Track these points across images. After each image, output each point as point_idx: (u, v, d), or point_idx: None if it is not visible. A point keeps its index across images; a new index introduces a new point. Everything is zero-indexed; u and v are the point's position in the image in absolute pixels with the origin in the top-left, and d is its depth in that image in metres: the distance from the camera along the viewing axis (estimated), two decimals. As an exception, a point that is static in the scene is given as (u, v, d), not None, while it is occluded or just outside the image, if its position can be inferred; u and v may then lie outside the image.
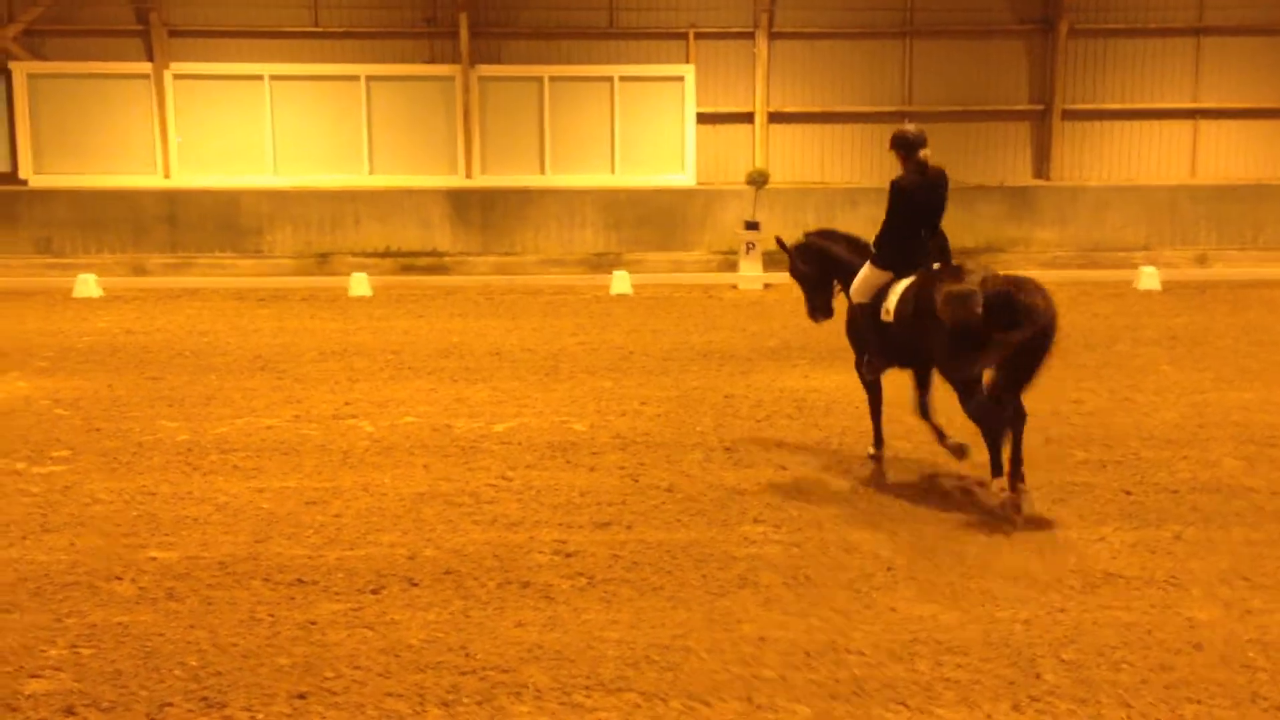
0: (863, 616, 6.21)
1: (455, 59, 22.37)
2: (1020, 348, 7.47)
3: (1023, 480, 7.72)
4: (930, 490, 8.38)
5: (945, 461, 8.78)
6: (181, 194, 21.92)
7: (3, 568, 6.77)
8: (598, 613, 6.25)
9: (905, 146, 8.39)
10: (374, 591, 6.52)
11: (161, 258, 21.42)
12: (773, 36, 22.60)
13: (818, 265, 9.17)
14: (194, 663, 5.59)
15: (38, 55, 21.88)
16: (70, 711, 5.15)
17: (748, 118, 22.66)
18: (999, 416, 7.68)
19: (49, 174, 21.97)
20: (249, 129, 22.32)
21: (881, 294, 8.45)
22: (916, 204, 8.34)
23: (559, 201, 22.10)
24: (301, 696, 5.32)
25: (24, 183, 21.91)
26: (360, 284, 18.83)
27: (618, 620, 6.14)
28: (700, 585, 6.63)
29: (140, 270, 21.07)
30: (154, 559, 6.95)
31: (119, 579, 6.63)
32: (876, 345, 8.59)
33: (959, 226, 21.34)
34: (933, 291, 7.87)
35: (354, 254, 21.51)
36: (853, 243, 9.03)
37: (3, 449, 9.39)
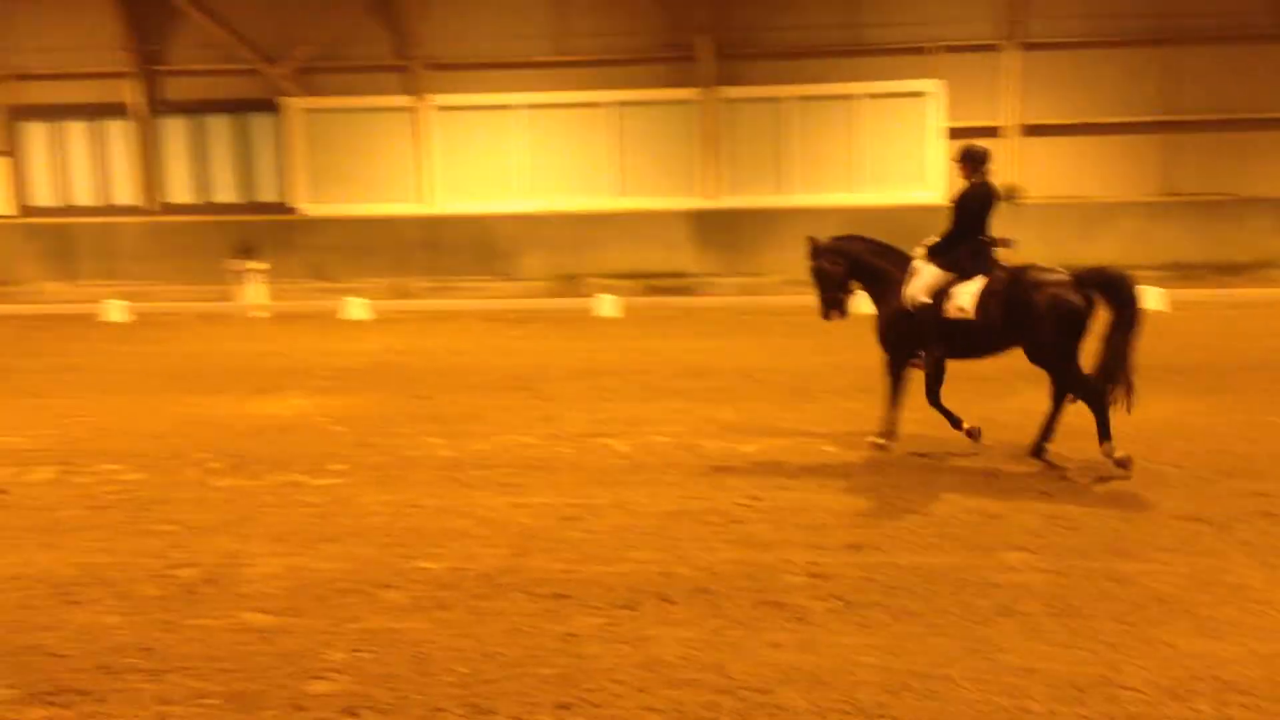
0: (1135, 650, 5.95)
1: (698, 83, 22.62)
2: (1118, 324, 8.68)
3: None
4: (1201, 521, 7.96)
5: (1223, 492, 8.33)
6: (440, 220, 22.87)
7: (287, 574, 7.20)
8: (853, 636, 6.18)
9: (973, 161, 9.44)
10: (629, 607, 6.63)
11: (422, 281, 22.41)
12: (1025, 47, 21.97)
13: (843, 266, 9.95)
14: (463, 670, 5.81)
15: (309, 91, 23.26)
16: (351, 712, 5.42)
17: (994, 131, 22.09)
18: (1101, 390, 8.81)
19: (320, 203, 23.31)
20: (503, 156, 23.16)
21: (942, 294, 9.35)
22: (981, 212, 9.37)
23: (801, 221, 21.98)
24: (564, 707, 5.46)
25: (297, 212, 23.30)
26: (608, 305, 19.23)
27: (874, 645, 6.07)
28: (959, 612, 6.48)
29: (403, 293, 22.10)
30: (423, 569, 7.26)
31: (391, 587, 6.95)
32: (940, 340, 9.46)
33: (1221, 241, 20.28)
34: (1025, 288, 8.97)
35: (601, 276, 21.99)
36: (883, 249, 9.93)
37: (285, 462, 10.00)
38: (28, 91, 23.85)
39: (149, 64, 23.40)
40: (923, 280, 9.46)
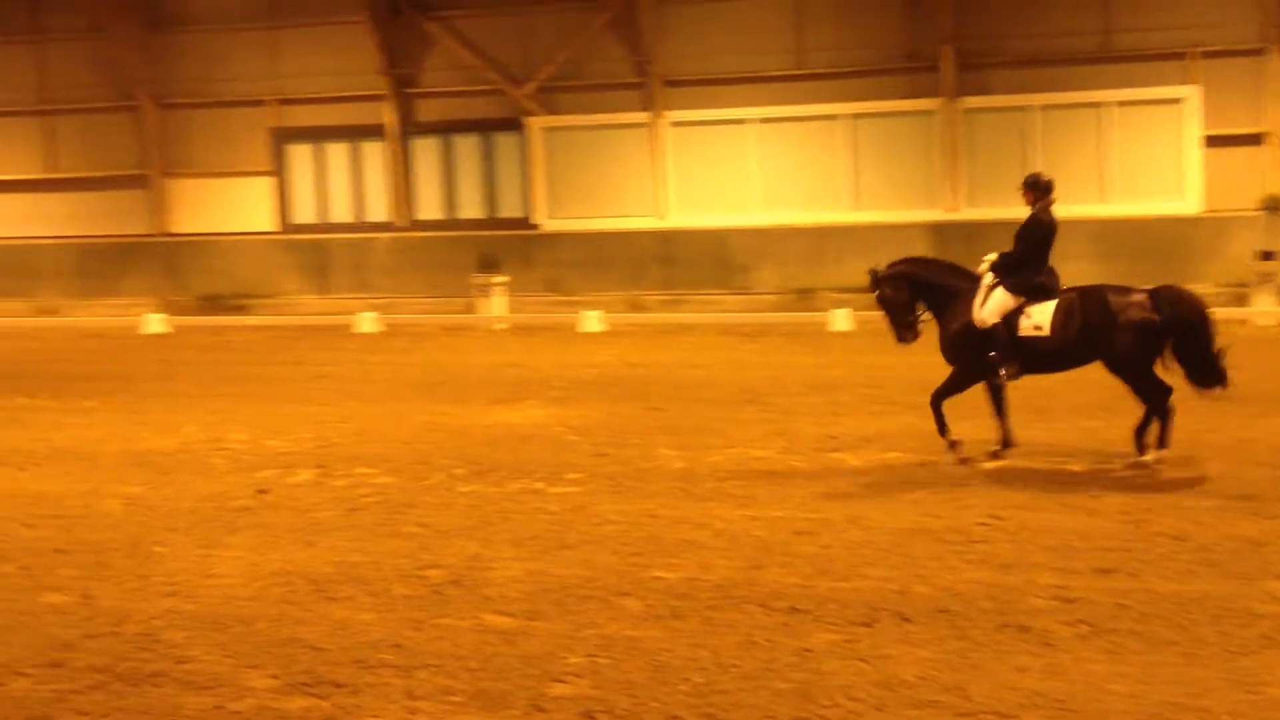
0: None
1: (938, 93, 22.20)
2: (1190, 336, 9.43)
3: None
4: None
5: None
6: (675, 234, 23.11)
7: (528, 578, 7.39)
8: (1102, 664, 5.93)
9: (1039, 189, 10.01)
10: (866, 624, 6.53)
11: (657, 294, 22.68)
12: (1292, 51, 20.72)
13: (906, 291, 10.33)
14: (699, 680, 5.84)
15: (550, 110, 23.90)
16: (589, 716, 5.52)
17: (1258, 139, 20.89)
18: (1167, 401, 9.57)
19: (559, 218, 23.90)
20: (737, 170, 23.23)
21: (1015, 314, 9.81)
22: (1047, 239, 9.91)
23: (1046, 234, 21.34)
24: (800, 722, 5.43)
25: (538, 227, 23.94)
26: (842, 319, 19.04)
27: (1125, 673, 5.80)
28: (1218, 642, 6.13)
29: (638, 307, 22.43)
30: (659, 578, 7.34)
31: (628, 595, 7.05)
32: (1013, 357, 9.82)
33: None
34: (1104, 307, 9.56)
35: (834, 290, 21.77)
36: (950, 268, 10.46)
37: (524, 470, 10.29)
38: (292, 115, 25.32)
39: (403, 87, 24.51)
40: (995, 303, 9.88)
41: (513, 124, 24.06)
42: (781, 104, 22.95)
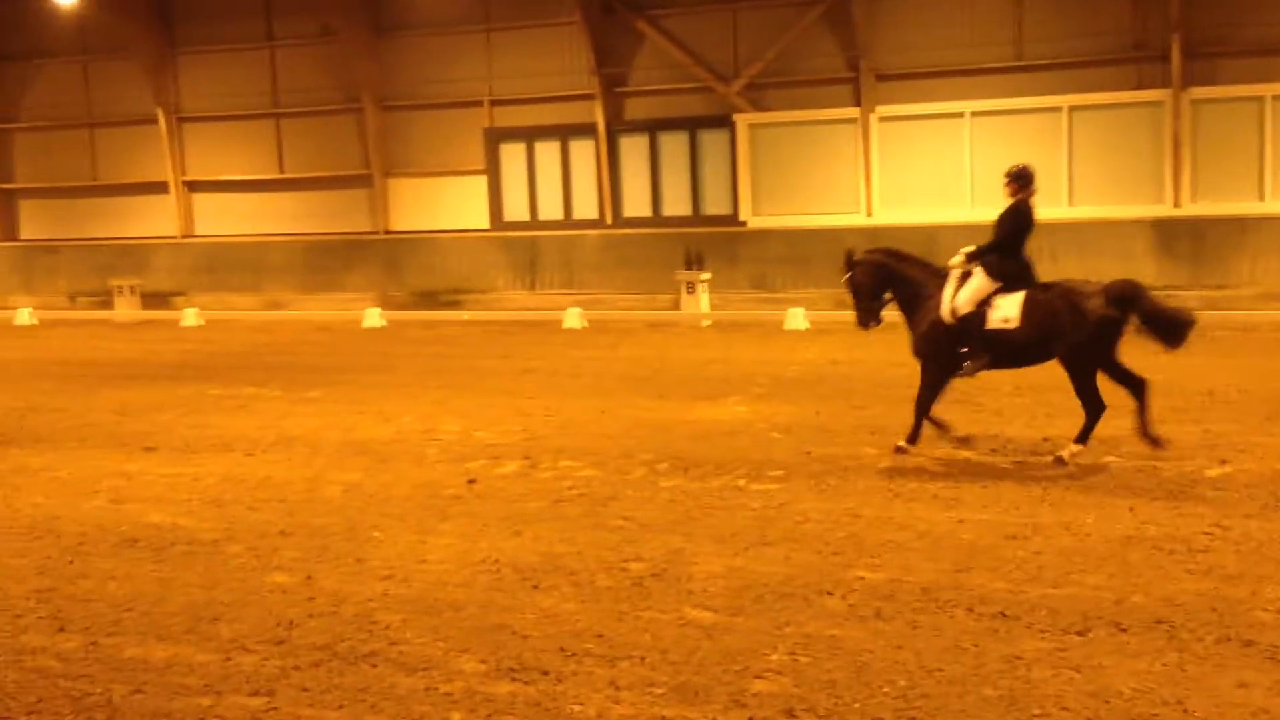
0: None
1: (1165, 83, 21.25)
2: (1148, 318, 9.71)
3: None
4: None
5: None
6: (882, 230, 22.74)
7: (729, 574, 7.41)
8: (1338, 685, 5.59)
9: (1022, 180, 10.31)
10: (1080, 633, 6.32)
11: (846, 292, 22.37)
12: None
13: (876, 278, 10.58)
14: (903, 683, 5.75)
15: (758, 106, 23.84)
16: (790, 714, 5.50)
17: None
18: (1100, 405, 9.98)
19: (764, 215, 23.83)
20: (947, 166, 22.73)
21: (985, 304, 9.96)
22: (1023, 228, 10.13)
23: (1281, 230, 20.21)
24: (1007, 731, 5.29)
25: (743, 224, 23.93)
26: (1057, 318, 18.44)
27: (1363, 696, 5.45)
28: None
29: (843, 304, 22.11)
30: (861, 578, 7.25)
31: (830, 594, 6.99)
32: (984, 348, 10.01)
33: None
34: (1065, 298, 9.82)
35: (1049, 288, 21.07)
36: (920, 264, 10.61)
37: (727, 466, 10.30)
38: (505, 115, 25.96)
39: (612, 86, 24.84)
40: (970, 289, 10.06)
41: (720, 121, 24.09)
42: (997, 96, 22.35)
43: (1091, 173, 21.94)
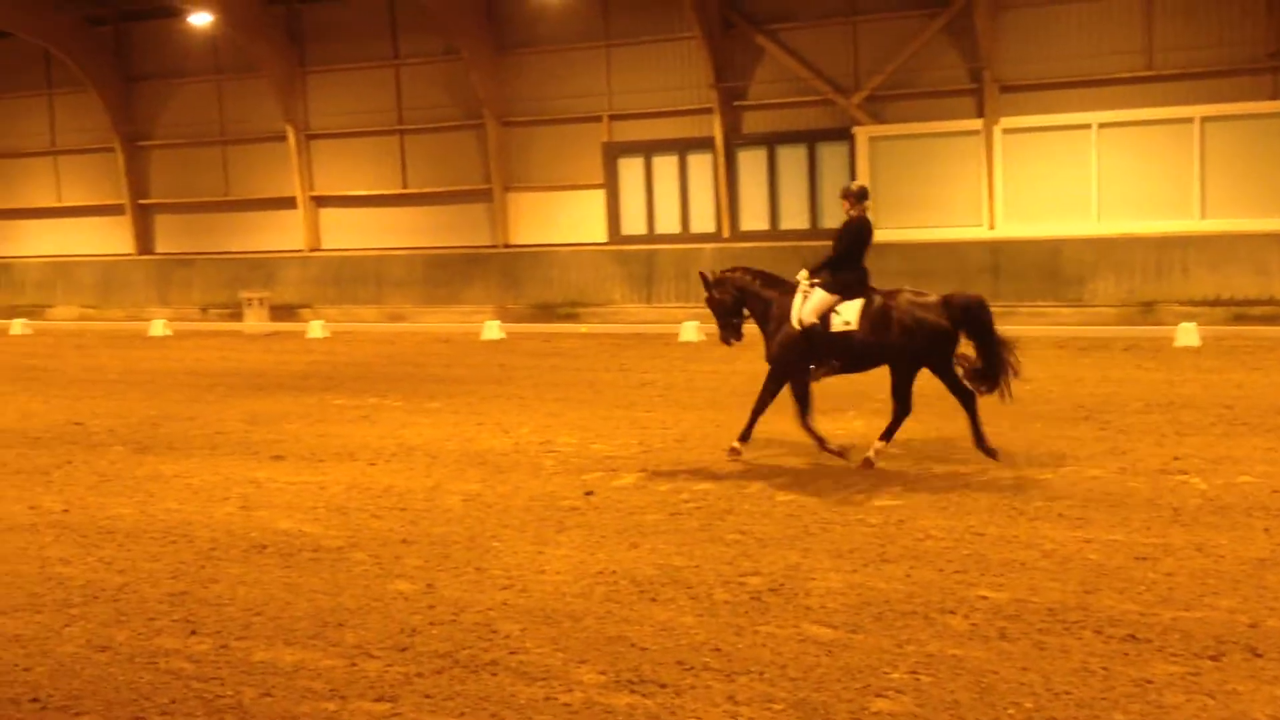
0: None
1: (1302, 92, 20.55)
2: (986, 339, 10.49)
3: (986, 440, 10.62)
4: None
5: None
6: (1005, 244, 22.40)
7: (848, 590, 7.33)
8: None
9: (856, 197, 11.09)
10: (1213, 658, 6.12)
11: (985, 306, 22.00)
12: None
13: (733, 295, 11.36)
14: (1029, 705, 5.62)
15: (878, 119, 23.64)
16: (911, 734, 5.42)
17: None
18: (908, 408, 10.76)
19: (884, 228, 23.50)
20: (1073, 178, 22.28)
21: (829, 314, 10.74)
22: (862, 241, 10.90)
23: None
24: (1138, 758, 5.14)
25: (861, 237, 23.66)
26: (1188, 334, 17.93)
27: None
28: None
29: (963, 318, 21.83)
30: (984, 598, 7.11)
31: (952, 613, 6.87)
32: (829, 354, 10.86)
33: None
34: (902, 306, 10.56)
35: (1181, 303, 20.53)
36: (768, 278, 11.33)
37: (845, 481, 10.21)
38: (623, 130, 26.15)
39: (731, 100, 24.85)
40: (812, 303, 10.84)
41: (839, 134, 23.93)
42: (1125, 107, 21.83)
43: (1224, 185, 21.31)
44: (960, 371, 10.74)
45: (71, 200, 31.96)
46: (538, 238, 27.19)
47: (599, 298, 25.83)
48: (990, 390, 10.63)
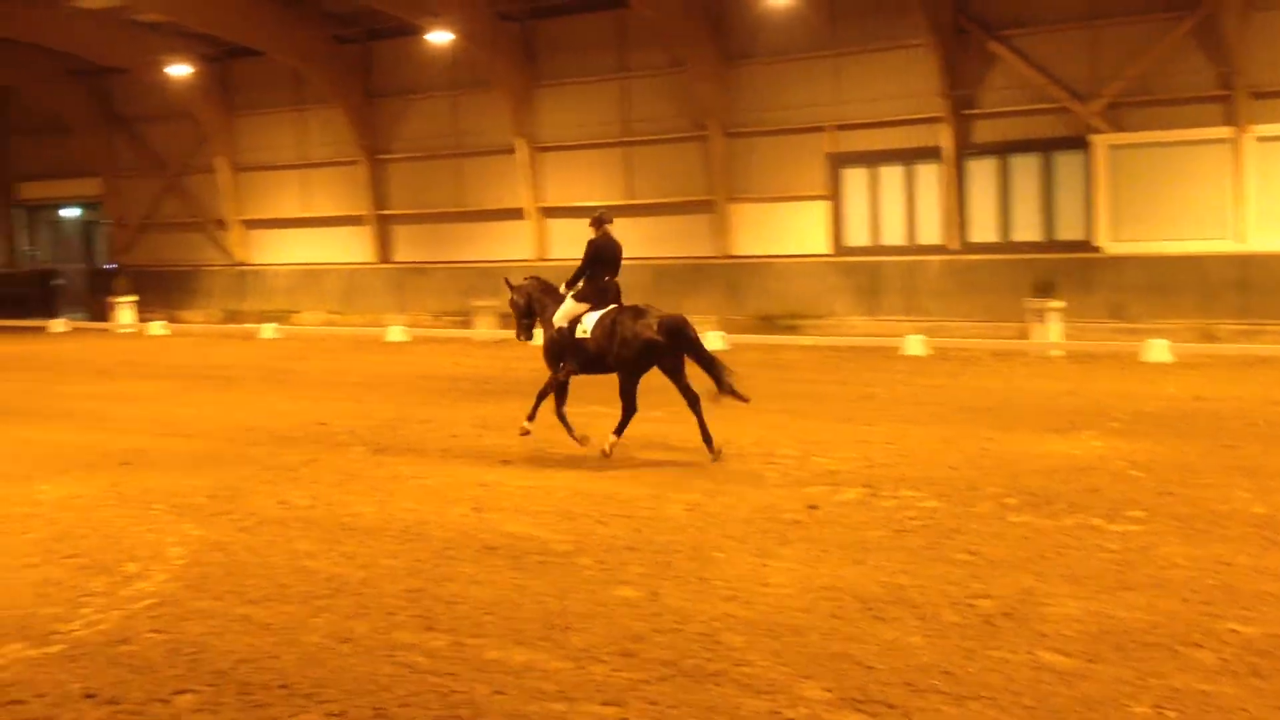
0: None
1: None
2: (696, 352, 12.11)
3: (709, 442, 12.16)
4: None
5: None
6: (1255, 258, 21.23)
7: (1086, 617, 7.04)
8: None
9: (598, 222, 12.77)
10: None
11: (1232, 324, 20.92)
12: None
13: (526, 301, 13.19)
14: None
15: (1117, 127, 22.74)
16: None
17: None
18: (634, 407, 12.39)
19: (1123, 241, 22.67)
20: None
21: (577, 320, 12.45)
22: (605, 259, 12.61)
23: None
24: None
25: (1099, 250, 22.85)
26: None
27: None
28: None
29: (1209, 336, 20.79)
30: (1234, 631, 6.74)
31: (1199, 646, 6.53)
32: (574, 356, 12.51)
33: None
34: (624, 321, 12.16)
35: None
36: (548, 288, 13.12)
37: (1081, 504, 9.83)
38: (848, 140, 25.89)
39: (961, 108, 24.29)
40: (563, 310, 12.66)
41: (1075, 143, 23.10)
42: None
43: None
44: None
45: (318, 211, 33.63)
46: (760, 248, 27.17)
47: (821, 309, 25.63)
48: (726, 392, 12.08)
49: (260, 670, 6.60)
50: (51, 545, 9.42)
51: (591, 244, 12.78)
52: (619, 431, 12.36)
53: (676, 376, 12.41)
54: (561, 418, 12.70)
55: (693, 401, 12.29)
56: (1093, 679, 6.13)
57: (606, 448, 12.24)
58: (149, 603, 7.87)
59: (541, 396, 12.85)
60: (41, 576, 8.55)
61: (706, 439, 12.16)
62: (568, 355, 12.62)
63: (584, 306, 12.57)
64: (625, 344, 12.14)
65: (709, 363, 12.17)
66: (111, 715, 6.06)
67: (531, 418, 12.81)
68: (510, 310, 13.72)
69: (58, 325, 33.27)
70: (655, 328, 12.05)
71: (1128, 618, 7.03)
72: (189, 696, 6.26)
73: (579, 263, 12.70)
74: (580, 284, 12.73)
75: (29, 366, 23.59)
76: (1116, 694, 5.93)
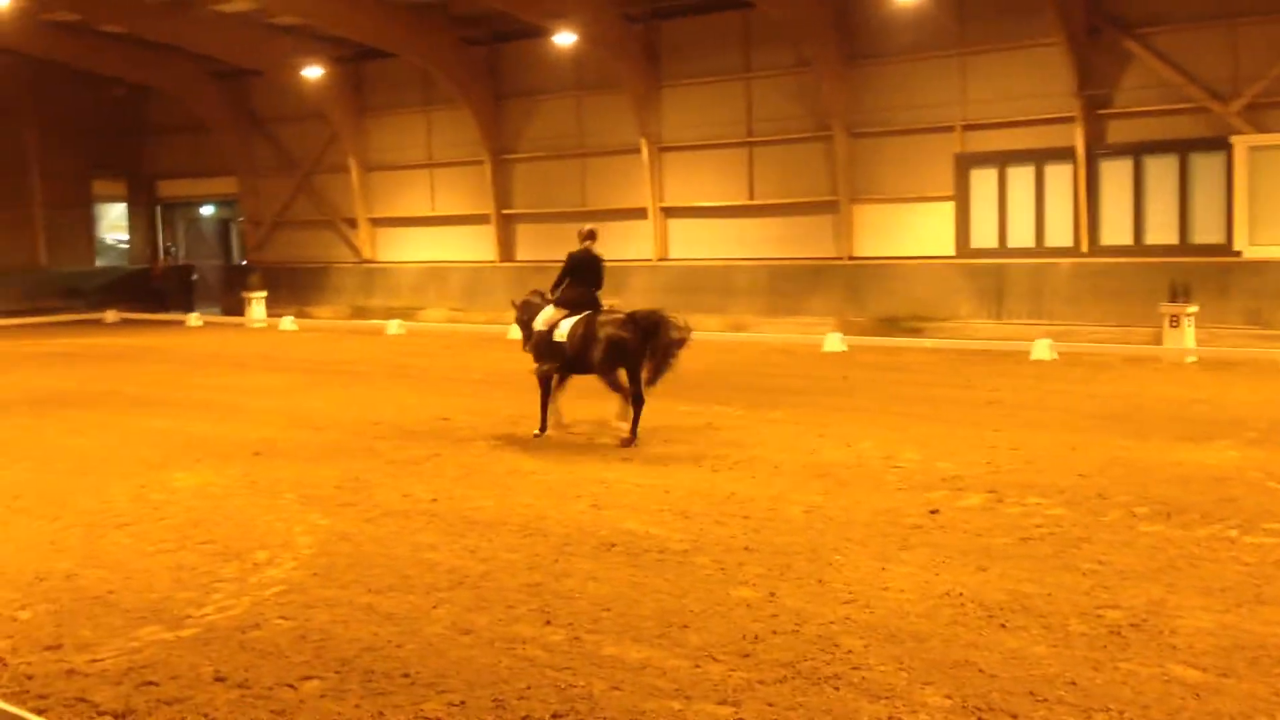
0: None
1: None
2: (653, 355, 13.21)
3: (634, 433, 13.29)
4: None
5: None
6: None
7: (1219, 631, 6.83)
8: None
9: (582, 237, 13.97)
10: None
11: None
12: None
13: (526, 314, 14.42)
14: None
15: (1259, 128, 22.02)
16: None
17: None
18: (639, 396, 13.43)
19: (1263, 245, 21.92)
20: None
21: (555, 325, 13.57)
22: (581, 270, 13.79)
23: None
24: None
25: (1238, 254, 22.13)
26: None
27: None
28: None
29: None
30: (1379, 652, 6.47)
31: (1340, 666, 6.29)
32: (550, 357, 13.63)
33: None
34: (594, 324, 13.33)
35: None
36: (544, 299, 14.22)
37: (1216, 515, 9.53)
38: (976, 140, 25.44)
39: (1094, 108, 23.70)
40: (542, 315, 13.86)
41: (1213, 144, 22.36)
42: None
43: None
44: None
45: (444, 210, 34.18)
46: (882, 250, 26.86)
47: (944, 312, 25.25)
48: (651, 381, 13.35)
49: (384, 659, 6.73)
50: (187, 531, 9.74)
51: (570, 256, 13.94)
52: (633, 427, 13.31)
53: (635, 377, 13.27)
54: (543, 407, 13.92)
55: (638, 403, 13.30)
56: (1225, 694, 5.94)
57: (627, 438, 13.21)
58: (278, 590, 8.09)
59: (543, 399, 13.98)
60: (177, 562, 8.85)
61: (631, 418, 13.32)
62: (547, 357, 13.73)
63: (562, 313, 13.66)
64: (593, 344, 13.23)
65: (658, 369, 13.19)
66: (241, 698, 6.23)
67: (542, 428, 13.91)
68: (518, 324, 15.05)
69: (194, 319, 34.35)
70: (626, 325, 13.13)
71: (1263, 632, 6.80)
72: (315, 683, 6.42)
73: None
74: (559, 291, 13.92)
75: (168, 359, 24.40)
76: (1250, 710, 5.74)
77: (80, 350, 26.60)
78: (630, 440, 13.10)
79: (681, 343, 13.26)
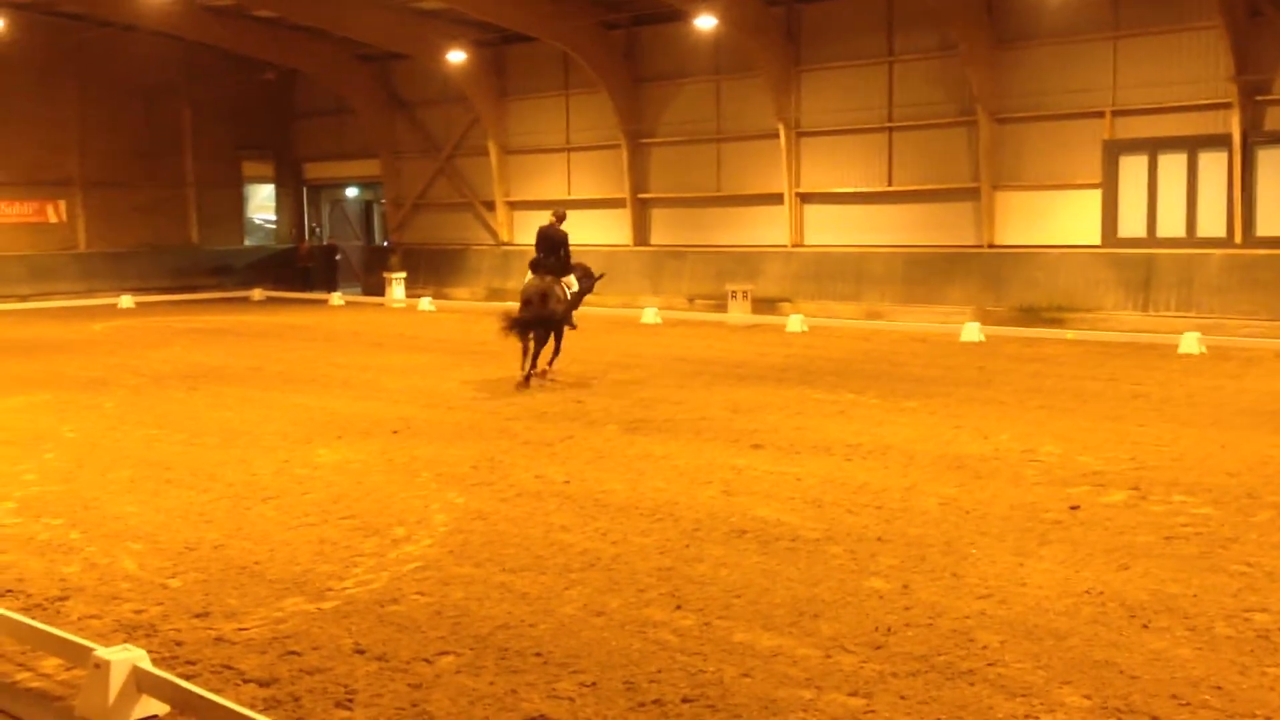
0: None
1: None
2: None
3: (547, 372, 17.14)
4: None
5: None
6: None
7: (1377, 642, 6.55)
8: None
9: (556, 217, 17.32)
10: None
11: None
12: None
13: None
14: None
15: None
16: None
17: None
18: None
19: None
20: None
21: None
22: (542, 241, 17.19)
23: None
24: None
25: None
26: None
27: None
28: None
29: None
30: None
31: None
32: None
33: None
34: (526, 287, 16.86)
35: None
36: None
37: (1375, 519, 9.13)
38: (1127, 126, 24.67)
39: (1252, 94, 22.81)
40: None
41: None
42: None
43: None
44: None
45: (580, 193, 34.40)
46: (1024, 238, 26.25)
47: (1088, 303, 24.60)
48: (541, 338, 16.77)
49: (518, 637, 6.84)
50: (328, 506, 10.01)
51: (539, 230, 17.27)
52: (550, 362, 17.27)
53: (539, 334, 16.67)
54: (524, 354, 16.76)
55: (551, 352, 17.10)
56: (1383, 708, 5.70)
57: (538, 371, 16.88)
58: (415, 565, 8.27)
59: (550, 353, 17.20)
60: (319, 536, 9.10)
61: (531, 366, 16.69)
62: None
63: (529, 275, 16.96)
64: (525, 305, 16.50)
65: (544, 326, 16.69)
66: (379, 671, 6.39)
67: (538, 372, 16.97)
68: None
69: (336, 299, 35.23)
70: (525, 292, 16.60)
71: None
72: (450, 658, 6.55)
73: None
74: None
75: (311, 338, 25.08)
76: None
77: (228, 327, 27.50)
78: (541, 373, 16.95)
79: (555, 313, 16.66)
